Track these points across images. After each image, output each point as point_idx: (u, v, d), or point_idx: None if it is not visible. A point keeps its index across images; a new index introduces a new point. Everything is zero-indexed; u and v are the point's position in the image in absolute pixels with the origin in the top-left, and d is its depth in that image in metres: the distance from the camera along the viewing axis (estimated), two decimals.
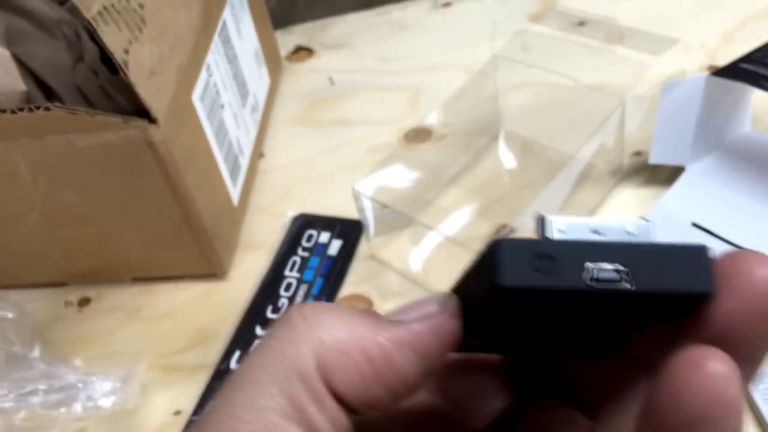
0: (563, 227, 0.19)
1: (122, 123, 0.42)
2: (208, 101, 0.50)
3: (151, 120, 0.43)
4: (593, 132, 0.50)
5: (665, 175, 0.54)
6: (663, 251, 0.18)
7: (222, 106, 0.53)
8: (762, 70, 0.48)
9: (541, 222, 0.19)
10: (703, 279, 0.18)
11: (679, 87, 0.49)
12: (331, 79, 0.69)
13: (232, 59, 0.56)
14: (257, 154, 0.61)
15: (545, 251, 0.18)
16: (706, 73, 0.49)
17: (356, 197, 0.49)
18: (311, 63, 0.72)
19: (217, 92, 0.52)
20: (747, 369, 0.18)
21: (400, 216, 0.49)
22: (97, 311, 0.53)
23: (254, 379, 0.19)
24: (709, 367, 0.16)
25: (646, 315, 0.20)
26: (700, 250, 0.18)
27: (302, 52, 0.73)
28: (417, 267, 0.52)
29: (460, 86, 0.56)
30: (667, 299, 0.18)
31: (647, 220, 0.20)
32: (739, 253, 0.18)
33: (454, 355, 0.22)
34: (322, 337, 0.19)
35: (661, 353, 0.18)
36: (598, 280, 0.18)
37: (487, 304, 0.19)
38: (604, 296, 0.18)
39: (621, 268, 0.18)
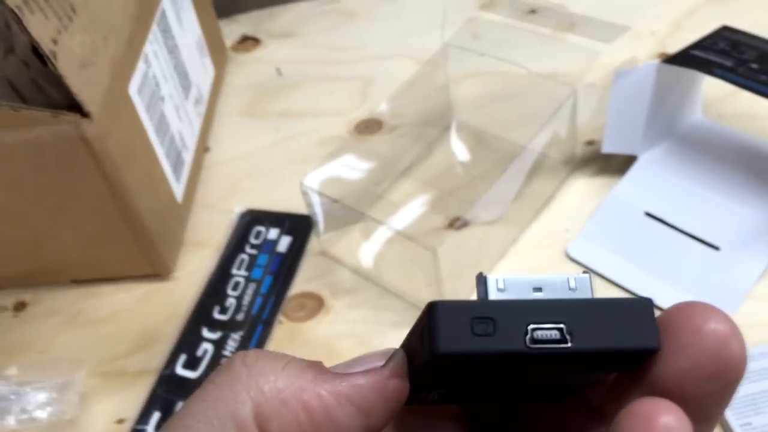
0: (503, 285, 0.19)
1: (51, 117, 0.40)
2: (146, 94, 0.48)
3: (84, 114, 0.41)
4: (545, 121, 0.49)
5: (618, 164, 0.53)
6: (606, 306, 0.18)
7: (162, 99, 0.51)
8: (713, 57, 0.48)
9: (482, 281, 0.19)
10: (647, 334, 0.18)
11: (631, 75, 0.49)
12: (278, 70, 0.67)
13: (172, 49, 0.53)
14: (202, 148, 0.59)
15: (483, 314, 0.18)
16: (657, 61, 0.49)
17: (304, 192, 0.48)
18: (258, 53, 0.69)
19: (157, 84, 0.50)
20: (702, 424, 0.17)
21: (351, 211, 0.47)
22: (34, 316, 0.51)
23: (191, 426, 0.18)
24: (659, 421, 0.16)
25: (592, 369, 0.19)
26: (643, 304, 0.18)
27: (248, 41, 0.70)
28: (369, 263, 0.50)
29: (410, 76, 0.55)
30: (611, 356, 0.18)
31: (586, 272, 0.20)
32: (687, 306, 0.18)
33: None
34: (262, 385, 0.18)
35: (617, 402, 0.18)
36: (538, 341, 0.18)
37: (429, 366, 0.19)
38: (546, 356, 0.18)
39: (562, 327, 0.18)
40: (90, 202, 0.45)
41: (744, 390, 0.40)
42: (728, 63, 0.47)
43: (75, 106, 0.41)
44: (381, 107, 0.59)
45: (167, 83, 0.52)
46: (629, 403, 0.16)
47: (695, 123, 0.55)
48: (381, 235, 0.49)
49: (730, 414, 0.39)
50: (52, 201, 0.45)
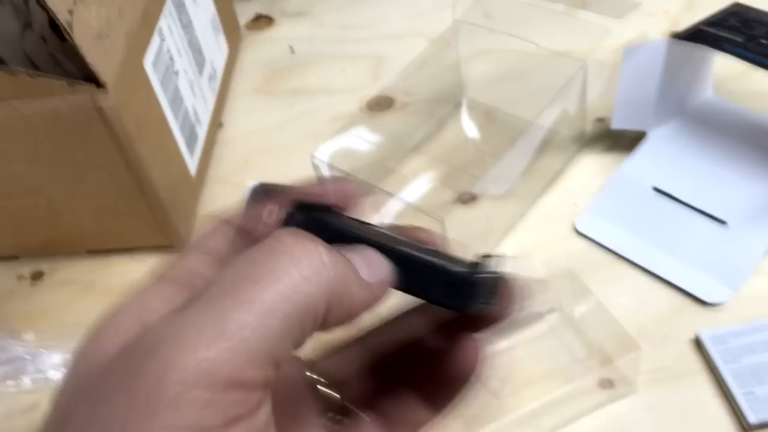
0: None
1: (68, 87, 0.41)
2: (161, 67, 0.49)
3: (99, 85, 0.41)
4: (553, 98, 0.49)
5: (628, 141, 0.53)
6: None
7: (176, 73, 0.51)
8: (724, 33, 0.48)
9: None
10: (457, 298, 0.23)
11: (641, 51, 0.49)
12: (291, 48, 0.68)
13: (186, 25, 0.54)
14: (216, 123, 0.60)
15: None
16: (667, 37, 0.49)
17: (315, 165, 0.48)
18: (271, 32, 0.70)
19: (171, 58, 0.51)
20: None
21: (360, 184, 0.48)
22: (51, 285, 0.52)
23: None
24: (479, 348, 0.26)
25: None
26: (466, 276, 0.23)
27: (262, 20, 0.71)
28: None
29: (421, 53, 0.55)
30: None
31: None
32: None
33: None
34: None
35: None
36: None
37: None
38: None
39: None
40: (105, 173, 0.46)
41: (748, 360, 0.40)
42: (739, 39, 0.47)
43: (91, 78, 0.42)
44: (392, 85, 0.59)
45: (181, 58, 0.53)
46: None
47: (706, 101, 0.55)
48: (390, 208, 0.49)
49: (733, 383, 0.40)
50: (68, 171, 0.46)
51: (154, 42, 0.48)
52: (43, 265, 0.53)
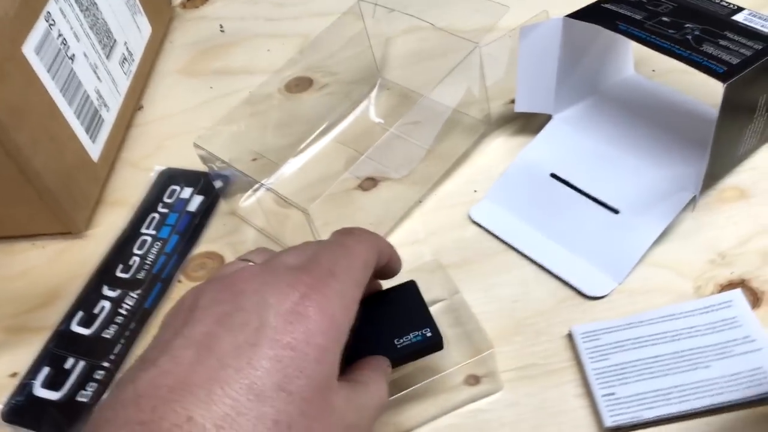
0: None
1: None
2: (48, 53, 0.48)
3: None
4: (448, 79, 0.47)
5: (540, 124, 0.51)
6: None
7: (72, 58, 0.51)
8: (623, 10, 0.45)
9: None
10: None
11: (537, 31, 0.47)
12: (221, 27, 0.67)
13: (87, 8, 0.53)
14: (132, 106, 0.59)
15: None
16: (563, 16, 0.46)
17: (198, 150, 0.48)
18: (205, 9, 0.69)
19: (65, 43, 0.50)
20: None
21: (237, 172, 0.47)
22: None
23: None
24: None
25: None
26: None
27: None
28: (271, 223, 0.50)
29: (324, 30, 0.54)
30: None
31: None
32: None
33: None
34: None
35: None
36: None
37: None
38: None
39: None
40: None
41: (617, 358, 0.39)
42: (638, 16, 0.45)
43: None
44: (312, 65, 0.58)
45: (80, 42, 0.52)
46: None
47: (625, 80, 0.52)
48: (261, 197, 0.49)
49: (596, 383, 0.38)
50: None
51: (39, 27, 0.47)
52: None
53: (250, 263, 0.32)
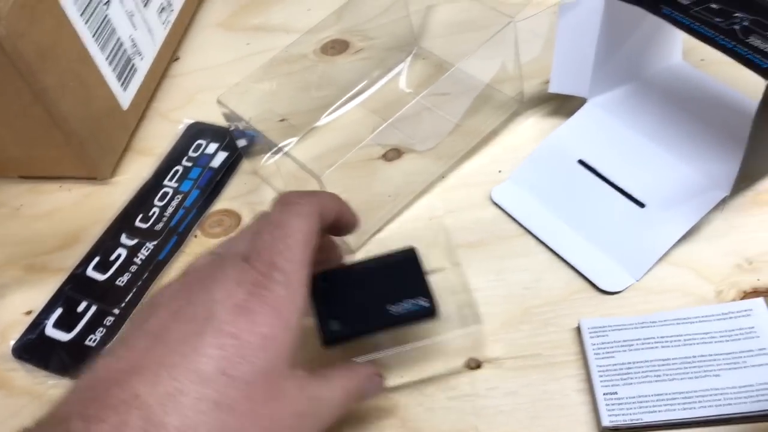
0: None
1: None
2: None
3: None
4: (475, 51, 0.45)
5: (574, 107, 0.49)
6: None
7: (107, 3, 0.51)
8: None
9: None
10: None
11: (576, 9, 0.45)
12: None
13: None
14: (168, 56, 0.59)
15: None
16: None
17: (221, 106, 0.47)
18: None
19: None
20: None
21: (257, 133, 0.46)
22: None
23: None
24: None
25: None
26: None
27: None
28: (294, 187, 0.49)
29: None
30: None
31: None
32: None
33: None
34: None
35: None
36: None
37: None
38: None
39: None
40: (15, 102, 0.46)
41: (623, 357, 0.37)
42: (685, 1, 0.42)
43: None
44: (351, 27, 0.57)
45: None
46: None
47: (671, 67, 0.50)
48: (277, 161, 0.48)
49: (598, 380, 0.37)
50: None
51: None
52: None
53: (214, 255, 0.33)
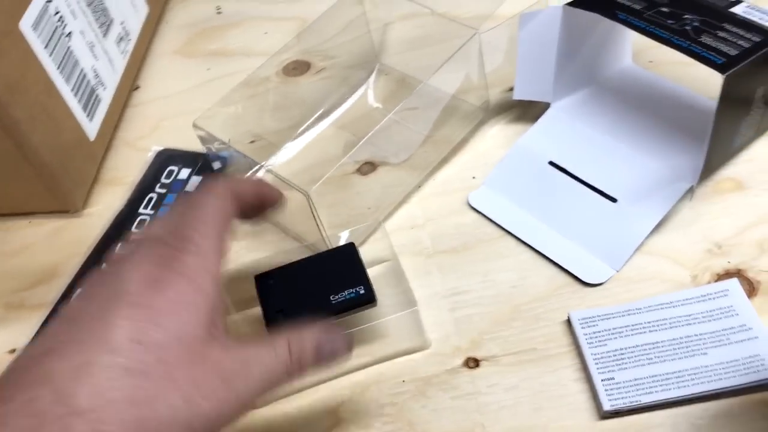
0: None
1: None
2: (46, 30, 0.48)
3: None
4: (446, 65, 0.47)
5: (539, 112, 0.51)
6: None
7: (69, 35, 0.50)
8: (623, 0, 0.46)
9: None
10: None
11: (537, 18, 0.47)
12: (218, 8, 0.66)
13: None
14: (128, 86, 0.59)
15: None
16: (563, 3, 0.47)
17: (197, 131, 0.47)
18: None
19: (61, 20, 0.49)
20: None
21: (237, 153, 0.47)
22: None
23: None
24: None
25: None
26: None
27: None
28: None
29: (322, 14, 0.53)
30: None
31: None
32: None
33: None
34: None
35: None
36: None
37: None
38: None
39: None
40: None
41: (615, 344, 0.39)
42: (637, 6, 0.45)
43: None
44: (310, 48, 0.58)
45: (76, 20, 0.51)
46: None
47: (622, 70, 0.53)
48: (269, 178, 0.48)
49: (595, 368, 0.39)
50: None
51: (35, 3, 0.47)
52: None
53: (132, 242, 0.34)
